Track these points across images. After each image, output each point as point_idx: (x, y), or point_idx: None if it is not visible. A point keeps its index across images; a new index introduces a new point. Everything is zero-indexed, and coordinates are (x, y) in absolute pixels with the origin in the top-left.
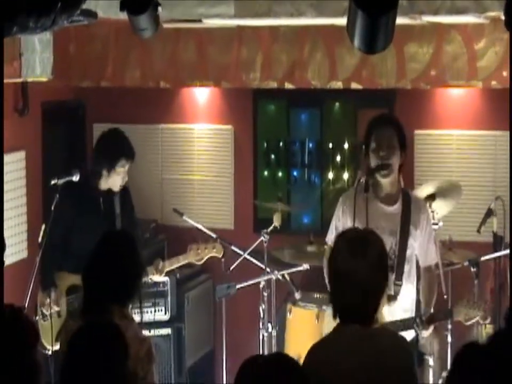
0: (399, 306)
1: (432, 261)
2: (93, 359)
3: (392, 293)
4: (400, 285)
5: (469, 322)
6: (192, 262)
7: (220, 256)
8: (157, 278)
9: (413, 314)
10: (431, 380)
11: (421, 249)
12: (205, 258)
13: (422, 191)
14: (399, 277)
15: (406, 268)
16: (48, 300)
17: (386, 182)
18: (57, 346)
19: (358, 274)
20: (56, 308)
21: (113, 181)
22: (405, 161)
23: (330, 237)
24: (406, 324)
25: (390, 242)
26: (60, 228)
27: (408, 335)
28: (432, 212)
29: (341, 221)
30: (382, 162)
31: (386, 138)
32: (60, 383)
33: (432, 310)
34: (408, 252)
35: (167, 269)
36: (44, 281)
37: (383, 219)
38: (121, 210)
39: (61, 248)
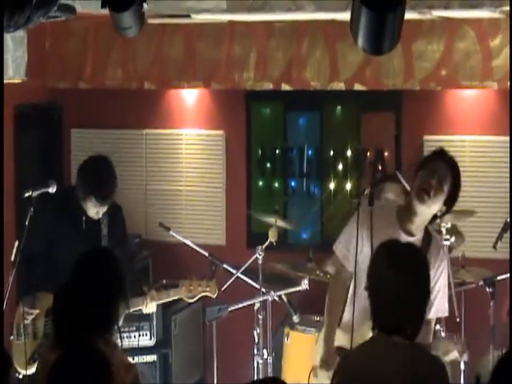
0: None
1: (433, 315)
2: None
3: None
4: None
5: (448, 358)
6: (183, 298)
7: (214, 296)
8: (145, 310)
9: None
10: None
11: None
12: (197, 297)
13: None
14: None
15: None
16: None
17: (422, 210)
18: (30, 370)
19: (401, 288)
20: (31, 315)
21: (87, 209)
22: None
23: (339, 246)
24: None
25: None
26: (36, 244)
27: None
28: (443, 226)
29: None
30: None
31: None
32: None
33: None
34: None
35: (156, 303)
36: (22, 299)
37: None
38: (109, 231)
39: (39, 266)
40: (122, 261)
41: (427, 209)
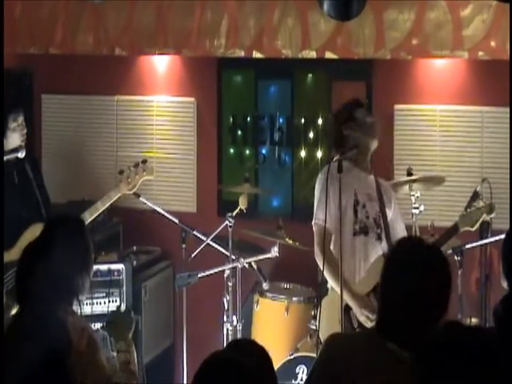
0: None
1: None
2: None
3: None
4: None
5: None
6: (126, 193)
7: (152, 177)
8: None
9: None
10: None
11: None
12: (138, 184)
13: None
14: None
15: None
16: None
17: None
18: None
19: (414, 289)
20: None
21: (13, 140)
22: None
23: (322, 216)
24: None
25: (375, 210)
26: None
27: None
28: (412, 194)
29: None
30: None
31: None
32: None
33: None
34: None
35: (101, 210)
36: None
37: (368, 187)
38: (35, 181)
39: None
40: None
41: None
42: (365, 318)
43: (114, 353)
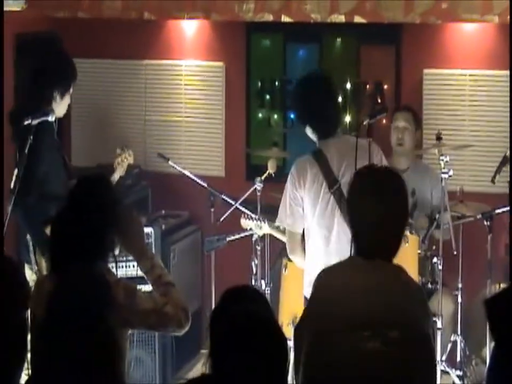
0: None
1: None
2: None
3: None
4: None
5: None
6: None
7: (132, 162)
8: None
9: None
10: (439, 343)
11: None
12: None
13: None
14: None
15: None
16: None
17: None
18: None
19: (380, 212)
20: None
21: (64, 105)
22: None
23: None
24: None
25: None
26: (39, 174)
27: None
28: (442, 155)
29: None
30: None
31: None
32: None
33: None
34: None
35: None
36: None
37: None
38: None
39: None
40: None
41: None
42: None
43: (147, 287)
